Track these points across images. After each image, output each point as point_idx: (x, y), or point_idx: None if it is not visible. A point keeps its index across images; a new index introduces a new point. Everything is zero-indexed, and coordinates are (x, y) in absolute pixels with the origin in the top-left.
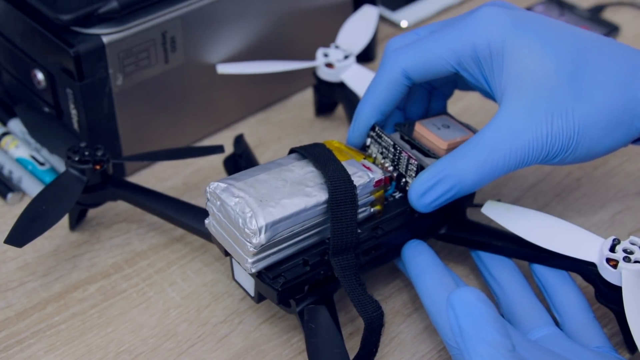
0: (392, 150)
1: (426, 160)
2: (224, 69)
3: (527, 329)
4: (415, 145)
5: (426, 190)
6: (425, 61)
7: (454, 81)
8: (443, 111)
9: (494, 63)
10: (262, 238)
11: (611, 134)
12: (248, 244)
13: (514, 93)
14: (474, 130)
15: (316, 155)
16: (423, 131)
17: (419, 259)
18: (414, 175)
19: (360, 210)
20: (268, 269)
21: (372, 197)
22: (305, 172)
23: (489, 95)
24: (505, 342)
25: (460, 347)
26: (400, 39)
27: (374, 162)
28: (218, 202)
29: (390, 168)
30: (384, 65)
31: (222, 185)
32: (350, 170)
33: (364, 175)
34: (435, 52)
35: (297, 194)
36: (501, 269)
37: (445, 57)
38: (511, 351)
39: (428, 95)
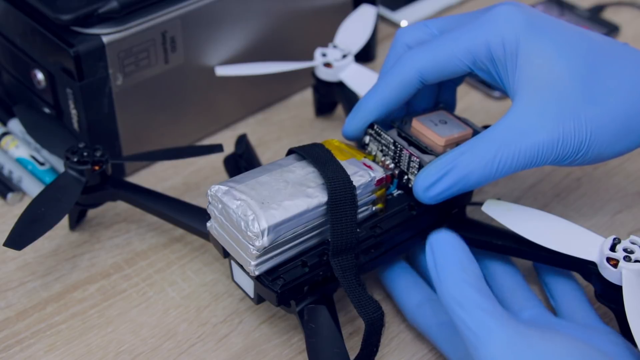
0: (393, 147)
1: (424, 157)
2: (222, 71)
3: (516, 310)
4: (413, 142)
5: (432, 183)
6: (441, 63)
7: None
8: (441, 106)
9: (507, 62)
10: (265, 240)
11: (623, 139)
12: (251, 246)
13: (526, 94)
14: (471, 126)
15: (315, 155)
16: (420, 127)
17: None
18: (416, 172)
19: (362, 209)
20: (267, 270)
21: (374, 196)
22: (307, 173)
23: (501, 89)
24: (473, 267)
25: (435, 280)
26: (410, 31)
27: (374, 160)
28: (220, 205)
29: (392, 166)
30: (399, 64)
31: (224, 188)
32: (351, 169)
33: (365, 175)
34: (451, 53)
35: (299, 195)
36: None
37: (461, 58)
38: (479, 277)
39: (437, 89)
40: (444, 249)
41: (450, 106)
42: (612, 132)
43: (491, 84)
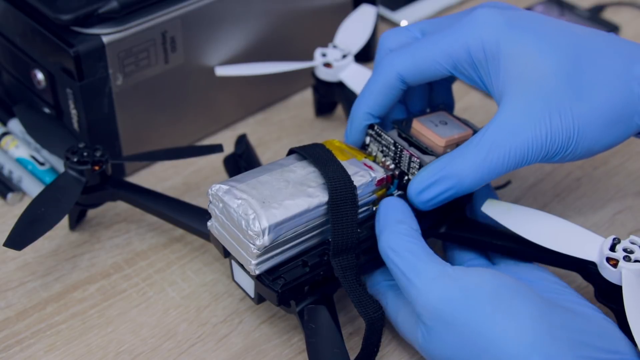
0: (393, 148)
1: (425, 157)
2: (222, 71)
3: (457, 264)
4: (413, 143)
5: (425, 188)
6: (421, 65)
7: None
8: (441, 107)
9: (489, 66)
10: (265, 240)
11: (611, 132)
12: (251, 245)
13: (512, 94)
14: (472, 127)
15: (316, 155)
16: (421, 128)
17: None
18: (416, 173)
19: (362, 209)
20: (267, 270)
21: (375, 196)
22: (307, 173)
23: (483, 91)
24: (410, 222)
25: (377, 236)
26: (392, 35)
27: (374, 161)
28: (220, 204)
29: (392, 166)
30: (379, 68)
31: (224, 187)
32: (351, 169)
33: (365, 175)
34: (430, 56)
35: (300, 194)
36: None
37: (441, 62)
38: (414, 229)
39: (429, 89)
40: (385, 209)
41: (448, 106)
42: (600, 125)
43: (474, 86)
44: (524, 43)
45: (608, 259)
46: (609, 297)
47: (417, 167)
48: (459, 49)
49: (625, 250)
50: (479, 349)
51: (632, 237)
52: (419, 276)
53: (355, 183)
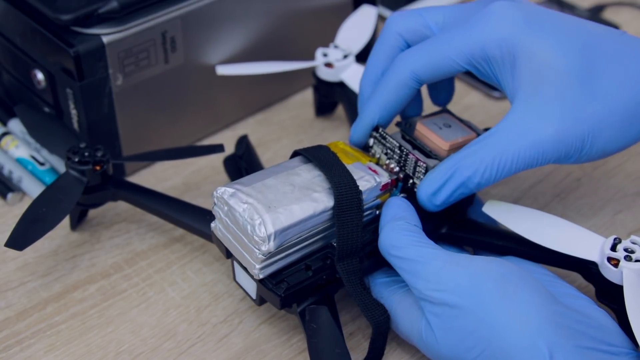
0: (398, 151)
1: (429, 161)
2: (223, 70)
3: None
4: (417, 146)
5: (436, 190)
6: (436, 64)
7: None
8: (444, 109)
9: (505, 62)
10: (271, 245)
11: (625, 133)
12: (256, 250)
13: (526, 94)
14: (475, 129)
15: (321, 158)
16: (424, 131)
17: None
18: (422, 177)
19: (366, 213)
20: (270, 274)
21: (379, 200)
22: (313, 176)
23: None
24: (409, 218)
25: (380, 230)
26: (401, 18)
27: (378, 163)
28: (225, 207)
29: (397, 169)
30: (393, 68)
31: (230, 190)
32: (356, 174)
33: (370, 179)
34: (445, 54)
35: (305, 199)
36: None
37: (456, 59)
38: (415, 224)
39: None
40: (385, 210)
41: (447, 90)
42: (614, 127)
43: (489, 83)
44: (540, 42)
45: (609, 259)
46: (610, 296)
47: (423, 171)
48: (475, 46)
49: (626, 250)
50: (483, 340)
51: (633, 237)
52: (425, 268)
53: (360, 188)
